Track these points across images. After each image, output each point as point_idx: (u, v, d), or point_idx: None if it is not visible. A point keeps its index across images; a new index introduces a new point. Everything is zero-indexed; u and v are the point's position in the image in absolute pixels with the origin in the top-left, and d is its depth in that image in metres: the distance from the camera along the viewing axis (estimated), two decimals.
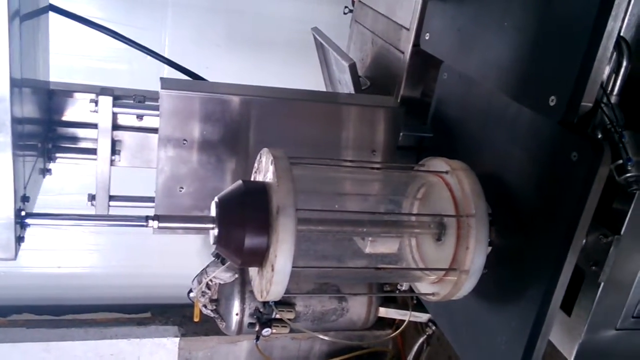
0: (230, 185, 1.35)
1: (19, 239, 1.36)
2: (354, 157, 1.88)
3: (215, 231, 1.29)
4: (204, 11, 3.40)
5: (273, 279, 1.23)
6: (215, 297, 3.35)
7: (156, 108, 1.74)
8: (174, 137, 1.75)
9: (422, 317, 3.63)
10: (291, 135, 1.87)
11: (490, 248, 1.37)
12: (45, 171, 1.76)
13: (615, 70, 1.32)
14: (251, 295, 3.31)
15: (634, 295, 1.47)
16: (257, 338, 3.37)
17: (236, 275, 3.23)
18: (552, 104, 1.26)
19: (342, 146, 1.90)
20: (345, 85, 2.29)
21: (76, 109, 1.79)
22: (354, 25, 2.65)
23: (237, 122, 1.79)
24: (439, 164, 1.48)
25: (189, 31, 3.41)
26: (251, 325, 3.32)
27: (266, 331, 3.29)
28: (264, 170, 1.35)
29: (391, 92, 2.17)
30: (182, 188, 1.82)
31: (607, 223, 1.37)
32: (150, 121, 1.80)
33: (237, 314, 3.32)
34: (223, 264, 3.10)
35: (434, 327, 3.66)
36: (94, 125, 1.76)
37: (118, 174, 1.84)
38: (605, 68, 1.25)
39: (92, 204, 1.84)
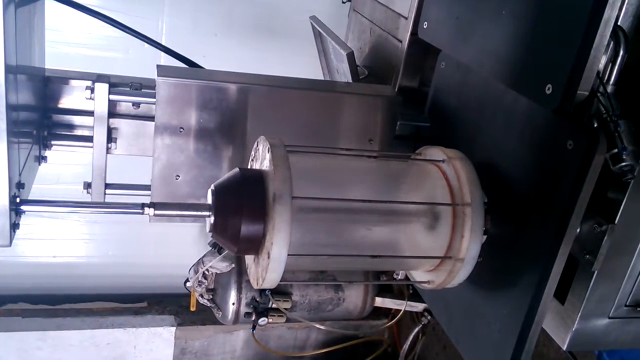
0: (226, 173, 1.35)
1: (14, 226, 1.35)
2: (351, 145, 1.88)
3: (212, 219, 1.30)
4: None
5: (269, 266, 1.23)
6: (211, 286, 3.35)
7: (153, 96, 1.73)
8: (171, 125, 1.75)
9: (418, 306, 3.65)
10: (288, 123, 1.87)
11: (485, 237, 1.38)
12: (40, 158, 1.75)
13: (612, 60, 1.31)
14: (248, 285, 3.32)
15: (627, 284, 1.48)
16: (254, 327, 3.39)
17: (233, 265, 3.24)
18: (548, 92, 1.26)
19: (339, 135, 1.90)
20: (343, 74, 2.28)
21: (72, 96, 1.78)
22: (352, 14, 2.64)
23: (234, 110, 1.78)
24: (435, 152, 1.48)
25: (186, 20, 3.40)
26: (248, 314, 3.33)
27: (262, 320, 3.30)
28: (261, 158, 1.35)
29: (389, 81, 2.17)
30: (178, 176, 1.82)
31: (601, 212, 1.38)
32: (146, 109, 1.80)
33: (233, 304, 3.33)
34: (220, 254, 3.10)
35: (429, 317, 3.68)
36: (90, 113, 1.75)
37: (114, 162, 1.84)
38: (602, 57, 1.25)
39: (87, 192, 1.83)
